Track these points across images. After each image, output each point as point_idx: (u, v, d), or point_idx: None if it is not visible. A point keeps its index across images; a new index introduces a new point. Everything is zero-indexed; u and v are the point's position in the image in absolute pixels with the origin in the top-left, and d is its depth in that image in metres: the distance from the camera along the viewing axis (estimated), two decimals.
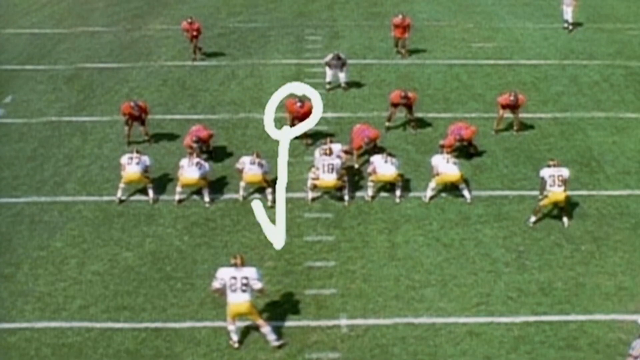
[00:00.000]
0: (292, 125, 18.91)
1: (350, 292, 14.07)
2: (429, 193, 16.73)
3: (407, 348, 12.74)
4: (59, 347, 12.83)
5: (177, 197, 16.84)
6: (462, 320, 13.37)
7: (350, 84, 22.15)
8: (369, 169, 16.90)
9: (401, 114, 19.94)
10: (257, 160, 16.87)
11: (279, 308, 13.68)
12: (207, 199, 16.81)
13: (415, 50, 24.98)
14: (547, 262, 14.88)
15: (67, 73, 23.63)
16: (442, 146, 17.72)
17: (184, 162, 16.75)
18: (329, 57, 21.91)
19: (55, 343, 12.91)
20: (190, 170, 16.57)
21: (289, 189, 17.22)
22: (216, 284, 12.44)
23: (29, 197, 16.94)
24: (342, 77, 21.88)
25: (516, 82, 22.40)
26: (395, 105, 19.47)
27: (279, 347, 12.67)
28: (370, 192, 16.84)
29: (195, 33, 23.97)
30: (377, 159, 16.78)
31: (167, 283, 14.34)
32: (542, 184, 15.68)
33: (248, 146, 19.01)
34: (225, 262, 14.73)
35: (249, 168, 16.74)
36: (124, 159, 16.82)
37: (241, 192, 16.96)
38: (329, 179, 16.33)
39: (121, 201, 16.78)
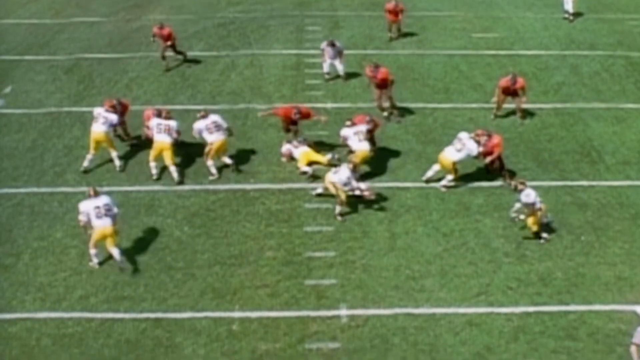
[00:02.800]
0: (287, 130, 18.21)
1: (350, 282, 14.09)
2: (429, 173, 16.88)
3: (407, 338, 12.77)
4: (60, 337, 12.87)
5: (153, 171, 17.10)
6: (461, 310, 13.39)
7: (350, 74, 22.05)
8: (342, 141, 17.13)
9: (401, 104, 19.91)
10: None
11: (279, 298, 13.71)
12: (172, 168, 17.08)
13: (415, 40, 24.93)
14: (547, 252, 14.89)
15: (67, 63, 23.57)
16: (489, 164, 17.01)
17: (154, 125, 17.12)
18: (324, 44, 21.79)
19: (55, 333, 12.94)
20: (160, 136, 16.88)
21: (288, 180, 17.23)
22: (83, 218, 14.04)
23: (29, 188, 16.93)
24: (340, 67, 21.73)
25: (517, 72, 22.30)
26: (376, 86, 19.56)
27: (122, 269, 14.20)
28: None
29: (166, 38, 22.52)
30: (349, 134, 16.90)
31: (167, 273, 14.36)
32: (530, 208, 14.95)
33: (248, 136, 19.00)
34: (225, 252, 14.85)
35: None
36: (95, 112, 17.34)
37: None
38: (320, 158, 16.87)
39: (86, 171, 17.08)
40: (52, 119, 20.04)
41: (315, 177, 17.03)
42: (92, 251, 14.34)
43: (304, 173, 17.22)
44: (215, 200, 16.54)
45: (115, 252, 14.20)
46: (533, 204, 14.73)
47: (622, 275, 14.26)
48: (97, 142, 17.22)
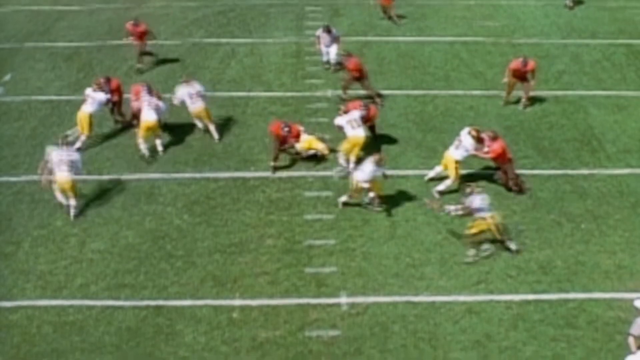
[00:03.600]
0: (276, 152, 16.92)
1: (350, 270, 14.11)
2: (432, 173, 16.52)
3: (406, 326, 12.80)
4: (61, 325, 12.90)
5: (143, 150, 17.47)
6: (461, 298, 13.42)
7: None
8: (338, 129, 17.05)
9: (402, 92, 19.85)
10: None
11: (279, 286, 13.73)
12: (160, 148, 17.61)
13: (416, 27, 24.88)
14: (547, 240, 14.90)
15: (67, 51, 23.52)
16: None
17: (145, 100, 17.56)
18: (319, 30, 21.61)
19: (56, 321, 12.98)
20: (150, 113, 17.30)
21: (289, 168, 17.22)
22: (48, 164, 15.32)
23: (29, 176, 16.90)
24: (333, 55, 21.35)
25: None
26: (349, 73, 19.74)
27: (76, 217, 15.35)
28: (343, 162, 16.90)
29: (140, 36, 21.76)
30: (342, 122, 16.84)
31: (168, 261, 14.38)
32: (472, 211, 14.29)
33: (248, 124, 18.99)
34: (225, 240, 14.87)
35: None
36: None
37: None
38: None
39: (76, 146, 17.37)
40: (52, 107, 20.02)
41: (322, 158, 17.32)
42: (59, 195, 15.51)
43: (313, 156, 17.30)
44: (215, 189, 16.55)
45: (72, 203, 15.43)
46: (475, 210, 14.06)
47: (622, 263, 14.28)
48: (82, 121, 17.69)
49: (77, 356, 12.30)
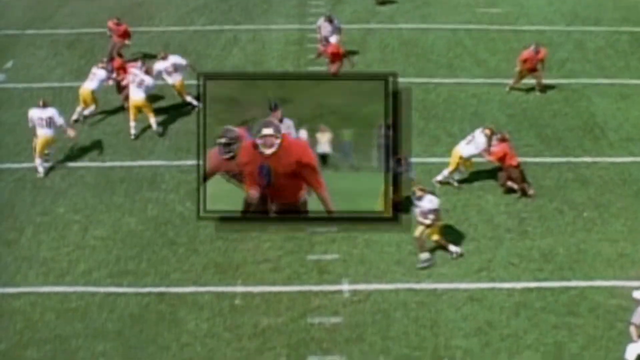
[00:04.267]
0: None
1: (352, 257, 14.12)
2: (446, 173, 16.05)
3: (408, 313, 12.82)
4: (63, 311, 12.94)
5: (132, 130, 17.75)
6: (463, 285, 13.43)
7: (352, 51, 21.78)
8: None
9: (404, 79, 19.75)
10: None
11: (281, 273, 13.75)
12: (154, 127, 17.78)
13: (418, 15, 24.79)
14: (549, 228, 14.90)
15: (69, 38, 23.47)
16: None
17: (131, 75, 17.94)
18: (320, 20, 21.43)
19: (59, 307, 13.01)
20: (136, 92, 17.60)
21: None
22: (30, 124, 16.38)
23: (32, 163, 16.87)
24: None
25: (521, 48, 22.09)
26: (330, 61, 19.95)
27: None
28: None
29: (120, 35, 21.46)
30: None
31: (170, 248, 14.40)
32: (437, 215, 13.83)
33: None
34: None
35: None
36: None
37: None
38: None
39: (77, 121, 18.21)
40: (54, 94, 19.95)
41: None
42: (38, 161, 16.34)
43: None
44: None
45: (50, 151, 16.63)
46: (437, 210, 13.64)
47: (623, 251, 14.27)
48: (84, 98, 18.13)
49: (79, 342, 12.34)
